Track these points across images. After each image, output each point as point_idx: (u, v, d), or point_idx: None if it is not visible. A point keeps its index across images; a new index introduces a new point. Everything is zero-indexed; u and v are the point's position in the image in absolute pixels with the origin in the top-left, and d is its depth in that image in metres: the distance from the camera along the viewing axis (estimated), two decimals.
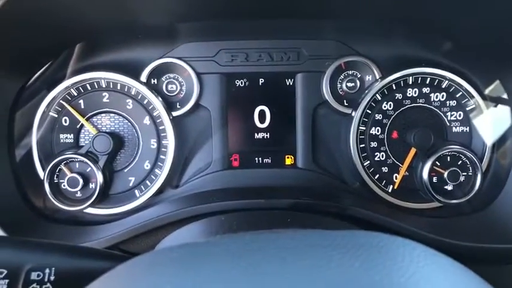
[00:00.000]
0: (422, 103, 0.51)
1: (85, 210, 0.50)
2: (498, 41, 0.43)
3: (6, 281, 0.33)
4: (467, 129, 0.51)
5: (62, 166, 0.50)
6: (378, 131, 0.51)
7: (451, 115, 0.51)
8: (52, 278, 0.35)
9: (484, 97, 0.50)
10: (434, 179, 0.50)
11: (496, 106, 0.49)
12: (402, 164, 0.51)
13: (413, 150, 0.50)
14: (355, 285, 0.22)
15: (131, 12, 0.43)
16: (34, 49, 0.46)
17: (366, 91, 0.50)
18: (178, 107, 0.51)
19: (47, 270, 0.35)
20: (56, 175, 0.50)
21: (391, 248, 0.26)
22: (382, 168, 0.51)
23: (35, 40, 0.44)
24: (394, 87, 0.50)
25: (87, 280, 0.28)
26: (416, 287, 0.22)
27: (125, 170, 0.51)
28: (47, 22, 0.41)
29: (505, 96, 0.47)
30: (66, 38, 0.46)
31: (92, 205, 0.49)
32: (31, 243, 0.36)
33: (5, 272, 0.33)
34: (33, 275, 0.36)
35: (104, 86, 0.50)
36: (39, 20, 0.39)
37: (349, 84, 0.51)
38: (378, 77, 0.50)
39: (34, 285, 0.34)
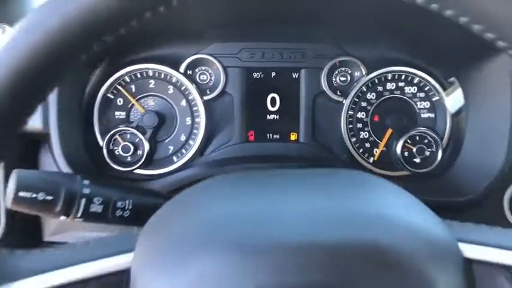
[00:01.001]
0: (398, 94, 0.64)
1: (134, 171, 0.64)
2: (449, 47, 0.57)
3: (102, 206, 0.47)
4: (433, 115, 0.64)
5: (117, 136, 0.64)
6: (363, 115, 0.65)
7: (420, 104, 0.64)
8: (130, 207, 0.48)
9: (445, 90, 0.64)
10: (406, 154, 0.64)
11: (453, 97, 0.63)
12: (381, 141, 0.65)
13: (390, 131, 0.64)
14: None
15: (181, 20, 0.57)
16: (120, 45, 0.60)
17: (355, 84, 0.64)
18: (208, 93, 0.65)
19: (127, 201, 0.49)
20: (112, 143, 0.64)
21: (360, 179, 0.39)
22: (365, 144, 0.65)
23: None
24: (377, 82, 0.64)
25: (154, 209, 0.41)
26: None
27: (166, 141, 0.65)
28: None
29: (459, 89, 0.62)
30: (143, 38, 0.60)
31: (139, 167, 0.63)
32: (115, 185, 0.49)
33: (101, 199, 0.47)
34: (118, 204, 0.49)
35: (150, 75, 0.64)
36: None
37: (342, 78, 0.65)
38: (364, 73, 0.64)
39: (119, 210, 0.48)
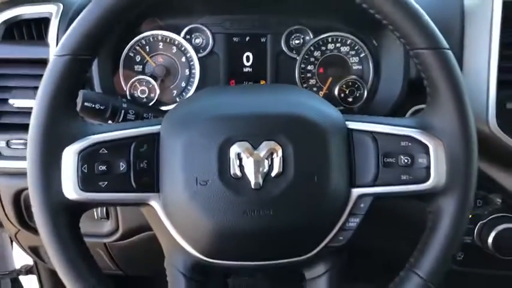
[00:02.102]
0: (336, 52, 0.88)
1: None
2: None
3: (134, 116, 0.72)
4: (361, 67, 0.88)
5: (136, 83, 0.88)
6: (311, 67, 0.86)
7: (352, 59, 0.86)
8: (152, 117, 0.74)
9: (369, 49, 0.90)
10: (342, 95, 0.88)
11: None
12: (324, 86, 0.90)
13: (330, 79, 0.87)
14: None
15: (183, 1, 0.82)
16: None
17: (305, 45, 0.86)
18: (201, 52, 0.87)
19: (150, 114, 0.74)
20: (132, 88, 0.89)
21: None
22: (313, 88, 0.85)
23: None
24: (321, 43, 0.85)
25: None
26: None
27: (170, 87, 0.88)
28: None
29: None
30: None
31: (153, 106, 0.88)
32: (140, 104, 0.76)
33: (134, 111, 0.73)
34: (144, 115, 0.75)
35: (159, 39, 0.85)
36: None
37: (296, 41, 0.89)
38: (312, 37, 0.86)
39: (145, 119, 0.73)
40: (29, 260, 1.24)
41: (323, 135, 0.53)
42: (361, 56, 0.88)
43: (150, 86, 0.86)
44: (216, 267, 0.57)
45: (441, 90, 0.52)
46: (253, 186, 0.51)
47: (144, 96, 0.86)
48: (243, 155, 0.51)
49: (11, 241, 1.25)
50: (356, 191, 0.55)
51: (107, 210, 0.84)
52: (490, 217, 0.77)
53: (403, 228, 0.74)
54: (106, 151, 0.51)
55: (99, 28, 0.52)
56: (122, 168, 0.51)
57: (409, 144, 0.54)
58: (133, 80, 0.85)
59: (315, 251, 0.56)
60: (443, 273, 0.55)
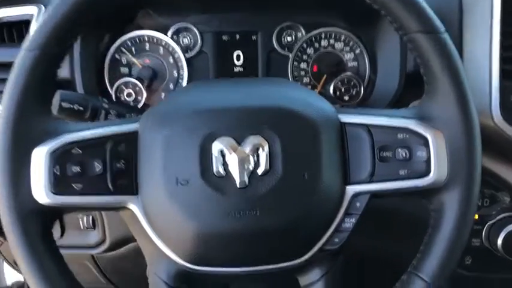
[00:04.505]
0: (330, 49, 0.86)
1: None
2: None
3: (116, 116, 0.69)
4: (356, 63, 0.85)
5: (122, 86, 0.85)
6: (304, 65, 0.83)
7: (347, 55, 0.84)
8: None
9: (364, 44, 0.86)
10: (337, 93, 0.85)
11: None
12: (318, 84, 0.87)
13: (324, 77, 0.85)
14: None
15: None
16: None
17: (297, 42, 0.84)
18: (189, 52, 0.86)
19: (132, 114, 0.71)
20: (117, 91, 0.85)
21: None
22: (307, 86, 0.85)
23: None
24: (314, 40, 0.82)
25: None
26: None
27: (159, 90, 0.85)
28: None
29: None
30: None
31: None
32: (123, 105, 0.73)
33: (116, 112, 0.69)
34: (127, 115, 0.71)
35: (146, 39, 0.82)
36: None
37: (288, 38, 0.85)
38: (304, 34, 0.83)
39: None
40: (21, 276, 1.19)
41: (313, 129, 0.49)
42: (356, 52, 0.85)
43: (137, 88, 0.82)
44: (202, 274, 0.52)
45: (439, 76, 0.48)
46: (238, 185, 0.47)
47: (130, 99, 0.82)
48: (226, 152, 0.47)
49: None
50: (351, 189, 0.51)
51: (93, 219, 0.80)
52: (499, 217, 0.73)
53: (405, 229, 0.70)
54: (80, 151, 0.48)
55: (67, 23, 0.49)
56: (97, 169, 0.48)
57: (407, 136, 0.50)
58: (118, 82, 0.81)
59: (308, 255, 0.52)
60: (448, 275, 0.50)
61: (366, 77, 0.85)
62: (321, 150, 0.51)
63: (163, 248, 0.52)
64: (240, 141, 0.49)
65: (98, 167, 0.50)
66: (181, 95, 0.57)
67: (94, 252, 0.83)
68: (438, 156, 0.49)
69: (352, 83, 0.84)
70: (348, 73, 0.84)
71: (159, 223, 0.51)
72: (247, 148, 0.49)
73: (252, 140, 0.49)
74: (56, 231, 0.79)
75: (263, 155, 0.49)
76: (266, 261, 0.52)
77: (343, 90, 0.84)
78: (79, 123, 0.56)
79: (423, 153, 0.50)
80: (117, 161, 0.50)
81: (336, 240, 0.53)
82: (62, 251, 0.52)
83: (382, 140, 0.50)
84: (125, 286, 1.00)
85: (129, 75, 0.84)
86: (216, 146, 0.49)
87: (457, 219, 0.50)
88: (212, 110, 0.51)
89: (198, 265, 0.52)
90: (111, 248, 0.82)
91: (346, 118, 0.53)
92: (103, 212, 0.78)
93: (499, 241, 0.70)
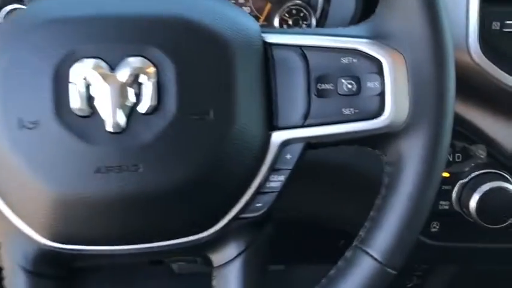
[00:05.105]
0: None
1: None
2: None
3: None
4: None
5: None
6: None
7: None
8: None
9: None
10: (284, 26, 0.69)
11: None
12: (261, 16, 0.70)
13: (268, 6, 0.69)
14: None
15: None
16: None
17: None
18: None
19: None
20: None
21: None
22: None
23: None
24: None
25: None
26: None
27: None
28: None
29: None
30: None
31: None
32: None
33: None
34: None
35: None
36: None
37: None
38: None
39: None
40: None
41: (224, 50, 0.37)
42: None
43: None
44: (73, 255, 0.37)
45: None
46: (110, 129, 0.34)
47: None
48: (92, 80, 0.34)
49: None
50: (278, 136, 0.39)
51: None
52: (472, 175, 0.62)
53: (354, 189, 0.57)
54: None
55: None
56: None
57: (354, 61, 0.38)
58: None
59: (217, 226, 0.39)
60: (407, 253, 0.37)
61: (319, 5, 0.70)
62: (234, 80, 0.37)
63: (15, 220, 0.37)
64: (113, 65, 0.35)
65: None
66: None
67: None
68: (396, 88, 0.38)
69: (301, 14, 0.70)
70: (297, 1, 0.69)
71: (3, 185, 0.36)
72: (123, 75, 0.35)
73: (131, 63, 0.35)
74: None
75: (148, 85, 0.35)
76: (157, 236, 0.38)
77: (291, 22, 0.70)
78: None
79: (375, 84, 0.38)
80: None
81: (259, 205, 0.40)
82: None
83: (321, 66, 0.39)
84: None
85: None
86: (77, 72, 0.34)
87: (419, 176, 0.38)
88: (74, 20, 0.36)
89: (63, 243, 0.37)
90: None
91: (273, 38, 0.39)
92: None
93: (472, 204, 0.59)
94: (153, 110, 0.35)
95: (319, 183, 0.59)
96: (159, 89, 0.35)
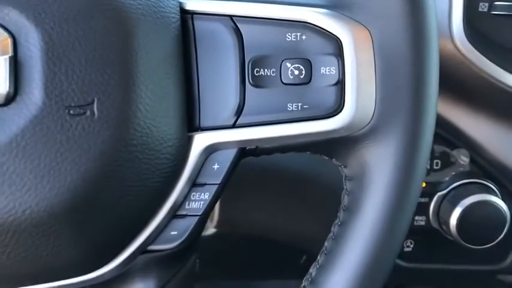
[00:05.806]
0: None
1: None
2: None
3: None
4: None
5: None
6: None
7: None
8: None
9: None
10: None
11: None
12: None
13: None
14: None
15: None
16: None
17: None
18: None
19: None
20: None
21: None
22: None
23: None
24: None
25: None
26: None
27: None
28: None
29: None
30: None
31: None
32: None
33: None
34: None
35: None
36: None
37: None
38: None
39: None
40: None
41: (117, 18, 0.27)
42: None
43: None
44: None
45: None
46: None
47: None
48: None
49: None
50: (201, 139, 0.30)
51: None
52: (453, 185, 0.54)
53: (316, 204, 0.48)
54: None
55: None
56: None
57: (303, 37, 0.29)
58: None
59: (115, 262, 0.28)
60: None
61: None
62: (133, 59, 0.27)
63: None
64: None
65: None
66: None
67: None
68: (359, 76, 0.28)
69: None
70: None
71: None
72: None
73: None
74: None
75: (0, 63, 0.23)
76: (32, 278, 0.27)
77: None
78: None
79: (331, 70, 0.29)
80: None
81: (173, 233, 0.30)
82: None
83: (259, 45, 0.29)
84: None
85: None
86: None
87: (389, 197, 0.28)
88: None
89: None
90: None
91: (194, 4, 0.29)
92: None
93: (452, 220, 0.52)
94: (7, 101, 0.24)
95: (272, 195, 0.49)
96: (17, 69, 0.24)
